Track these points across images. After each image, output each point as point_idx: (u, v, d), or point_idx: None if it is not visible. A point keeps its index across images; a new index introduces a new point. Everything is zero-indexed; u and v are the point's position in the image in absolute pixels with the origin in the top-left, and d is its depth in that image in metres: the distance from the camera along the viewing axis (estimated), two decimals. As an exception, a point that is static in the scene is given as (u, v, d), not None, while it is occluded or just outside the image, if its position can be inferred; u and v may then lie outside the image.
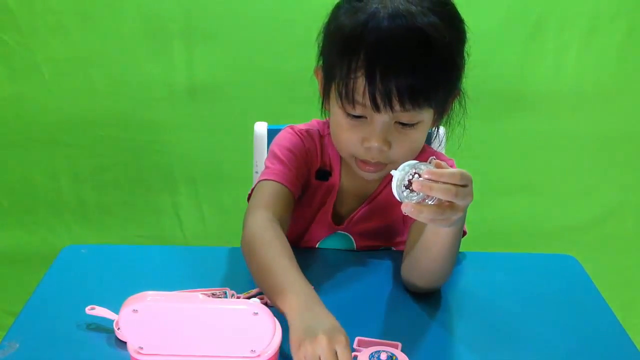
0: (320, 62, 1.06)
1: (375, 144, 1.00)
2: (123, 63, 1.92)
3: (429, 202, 0.82)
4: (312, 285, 0.99)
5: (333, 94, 1.02)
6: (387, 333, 0.88)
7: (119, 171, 2.02)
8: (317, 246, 1.18)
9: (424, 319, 0.95)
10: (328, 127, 1.13)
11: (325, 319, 0.82)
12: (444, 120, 1.08)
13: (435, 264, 0.97)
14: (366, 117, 1.00)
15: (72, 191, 2.03)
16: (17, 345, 0.85)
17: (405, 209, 0.82)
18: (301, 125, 1.18)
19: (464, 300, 0.99)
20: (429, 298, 0.99)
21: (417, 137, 1.03)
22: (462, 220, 0.91)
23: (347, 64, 0.97)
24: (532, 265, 1.10)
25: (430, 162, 0.83)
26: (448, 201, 0.82)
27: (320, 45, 1.05)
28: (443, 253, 0.94)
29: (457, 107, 1.08)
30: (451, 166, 1.12)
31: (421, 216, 0.82)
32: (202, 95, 1.94)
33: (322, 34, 1.05)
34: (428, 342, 0.88)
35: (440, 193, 0.81)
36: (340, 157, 1.15)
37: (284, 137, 1.16)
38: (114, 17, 1.87)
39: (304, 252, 1.15)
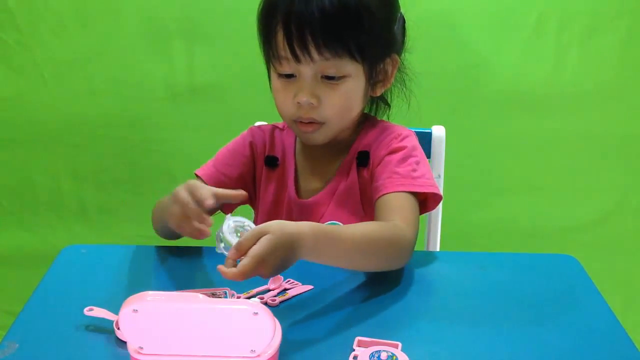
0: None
1: (303, 97, 1.06)
2: (123, 63, 1.92)
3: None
4: (312, 285, 1.00)
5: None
6: (387, 333, 0.88)
7: (119, 171, 2.02)
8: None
9: (424, 319, 0.95)
10: None
11: None
12: (377, 85, 1.12)
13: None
14: (296, 75, 1.06)
15: (72, 191, 2.03)
16: (17, 345, 0.85)
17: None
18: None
19: (463, 300, 0.99)
20: (429, 298, 1.00)
21: (345, 91, 1.07)
22: None
23: (269, 22, 1.05)
24: (532, 265, 1.10)
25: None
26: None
27: None
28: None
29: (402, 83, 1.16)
30: (406, 137, 1.13)
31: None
32: (202, 95, 1.94)
33: None
34: (428, 342, 0.88)
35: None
36: (295, 142, 1.20)
37: (237, 137, 1.24)
38: (114, 17, 1.88)
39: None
